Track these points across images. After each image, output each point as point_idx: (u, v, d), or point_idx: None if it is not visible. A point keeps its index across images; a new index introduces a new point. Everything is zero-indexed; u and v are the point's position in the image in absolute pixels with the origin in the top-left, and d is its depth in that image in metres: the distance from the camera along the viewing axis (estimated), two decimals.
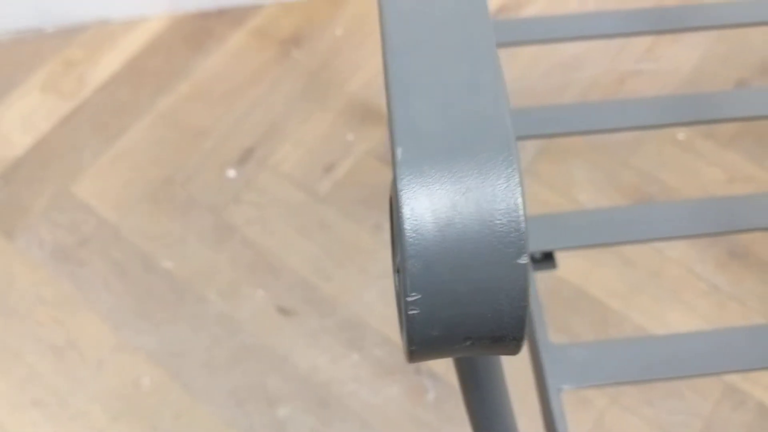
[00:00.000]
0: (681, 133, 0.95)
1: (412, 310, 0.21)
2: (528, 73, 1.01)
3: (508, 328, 0.21)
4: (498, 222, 0.20)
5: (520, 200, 0.20)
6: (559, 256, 0.86)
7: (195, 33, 1.06)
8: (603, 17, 0.74)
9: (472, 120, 0.21)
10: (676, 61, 1.00)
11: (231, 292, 0.87)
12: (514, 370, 0.48)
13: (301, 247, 0.89)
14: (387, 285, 0.86)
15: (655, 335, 0.79)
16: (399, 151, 0.21)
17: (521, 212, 0.20)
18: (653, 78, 0.99)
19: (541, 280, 0.86)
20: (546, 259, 0.47)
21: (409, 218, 0.21)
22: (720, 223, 0.54)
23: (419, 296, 0.21)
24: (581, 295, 0.85)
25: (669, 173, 0.92)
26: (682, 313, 0.83)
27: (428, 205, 0.20)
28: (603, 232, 0.50)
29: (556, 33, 0.72)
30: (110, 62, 1.04)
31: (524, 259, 0.20)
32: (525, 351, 0.45)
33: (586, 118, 0.65)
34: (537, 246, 0.47)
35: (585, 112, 0.69)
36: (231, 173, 0.94)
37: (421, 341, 0.22)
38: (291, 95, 1.00)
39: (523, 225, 0.20)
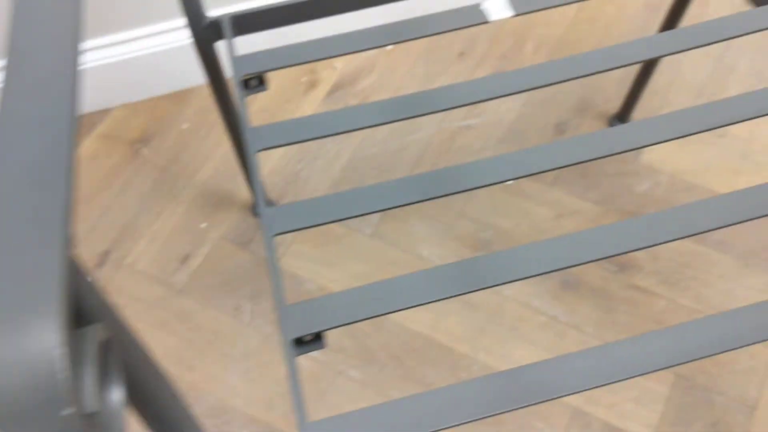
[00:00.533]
0: (509, 180, 1.02)
1: None
2: (368, 141, 1.07)
3: None
4: (38, 384, 0.22)
5: (58, 365, 0.22)
6: (403, 311, 0.92)
7: None
8: (484, 82, 0.76)
9: (18, 287, 0.25)
10: (499, 113, 1.09)
11: None
12: None
13: (162, 342, 0.91)
14: (250, 365, 0.89)
15: (498, 371, 0.84)
16: None
17: (60, 376, 0.22)
18: (480, 131, 1.07)
19: (393, 336, 0.90)
20: (316, 339, 0.51)
21: None
22: (548, 264, 0.57)
23: None
24: (431, 344, 0.90)
25: (501, 218, 0.99)
26: (525, 347, 0.89)
27: None
28: (367, 307, 0.54)
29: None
30: None
31: (68, 411, 0.23)
32: None
33: (421, 188, 0.68)
34: (301, 331, 0.50)
35: (418, 182, 0.72)
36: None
37: None
38: (143, 193, 1.03)
39: (62, 386, 0.23)
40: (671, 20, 0.88)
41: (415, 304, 0.53)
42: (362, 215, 0.56)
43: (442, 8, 0.64)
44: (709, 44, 0.61)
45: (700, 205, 0.55)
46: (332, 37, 0.64)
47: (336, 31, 0.66)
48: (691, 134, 0.59)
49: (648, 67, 0.98)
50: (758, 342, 0.48)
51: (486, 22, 0.62)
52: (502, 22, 1.19)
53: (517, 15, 0.62)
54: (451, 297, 0.53)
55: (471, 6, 0.63)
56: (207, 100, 1.12)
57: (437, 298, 0.52)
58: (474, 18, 0.62)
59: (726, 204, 0.56)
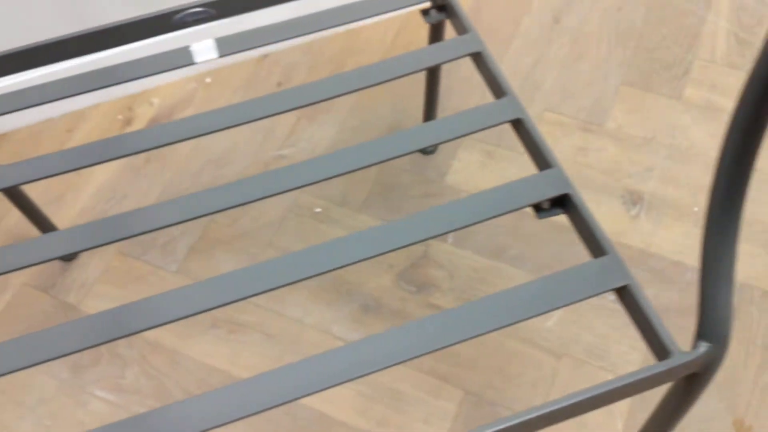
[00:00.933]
0: (318, 207, 1.03)
1: None
2: (181, 175, 1.07)
3: None
4: None
5: None
6: (203, 346, 0.91)
7: None
8: (247, 106, 0.73)
9: None
10: (314, 141, 1.10)
11: None
12: None
13: None
14: (43, 412, 0.88)
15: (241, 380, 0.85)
16: None
17: None
18: (292, 161, 1.08)
19: (190, 373, 0.90)
20: None
21: None
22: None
23: None
24: (228, 379, 0.90)
25: (307, 245, 1.00)
26: None
27: None
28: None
29: (204, 128, 0.72)
30: None
31: None
32: None
33: (189, 208, 0.67)
34: None
35: (187, 203, 0.71)
36: None
37: None
38: None
39: None
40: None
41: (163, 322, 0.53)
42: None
43: (154, 51, 0.65)
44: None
45: (453, 206, 0.56)
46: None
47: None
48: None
49: (431, 83, 1.00)
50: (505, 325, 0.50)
51: (193, 64, 0.63)
52: (321, 50, 1.21)
53: (221, 56, 0.63)
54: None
55: (180, 48, 0.64)
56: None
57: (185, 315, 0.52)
58: (182, 60, 0.63)
59: (472, 203, 0.57)
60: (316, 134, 1.11)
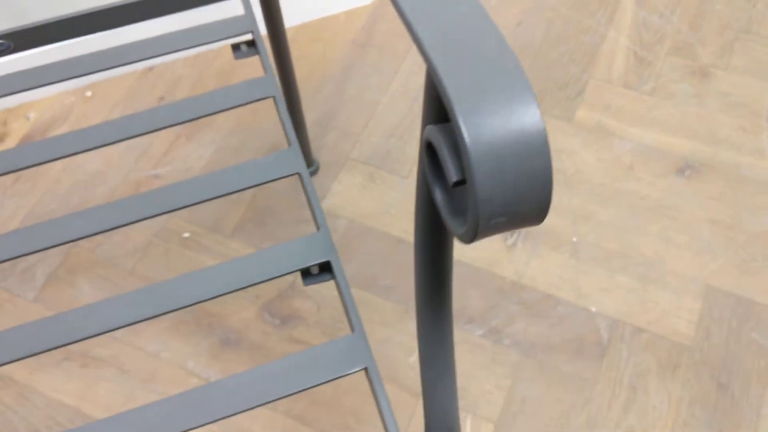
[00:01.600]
0: (186, 233, 1.00)
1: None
2: (48, 197, 1.03)
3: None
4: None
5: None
6: (53, 379, 0.88)
7: None
8: (122, 123, 0.71)
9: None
10: (190, 161, 1.06)
11: None
12: None
13: None
14: None
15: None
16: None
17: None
18: (166, 181, 1.04)
19: (38, 409, 0.87)
20: None
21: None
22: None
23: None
24: (77, 416, 0.87)
25: (173, 273, 0.96)
26: None
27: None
28: None
29: (77, 147, 0.70)
30: None
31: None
32: None
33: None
34: None
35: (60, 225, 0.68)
36: None
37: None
38: None
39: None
40: None
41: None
42: None
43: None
44: None
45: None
46: None
47: None
48: None
49: (293, 109, 0.95)
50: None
51: (73, 77, 0.59)
52: (208, 63, 1.16)
53: (100, 70, 0.59)
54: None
55: (61, 61, 0.60)
56: None
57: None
58: (62, 74, 0.59)
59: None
60: (193, 153, 1.07)
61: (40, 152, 0.74)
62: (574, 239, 0.97)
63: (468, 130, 0.27)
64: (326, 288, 0.95)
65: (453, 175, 0.29)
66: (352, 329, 0.46)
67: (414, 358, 0.90)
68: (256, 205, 1.02)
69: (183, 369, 0.89)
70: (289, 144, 0.55)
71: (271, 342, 0.91)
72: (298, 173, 0.54)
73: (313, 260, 0.50)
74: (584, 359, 0.88)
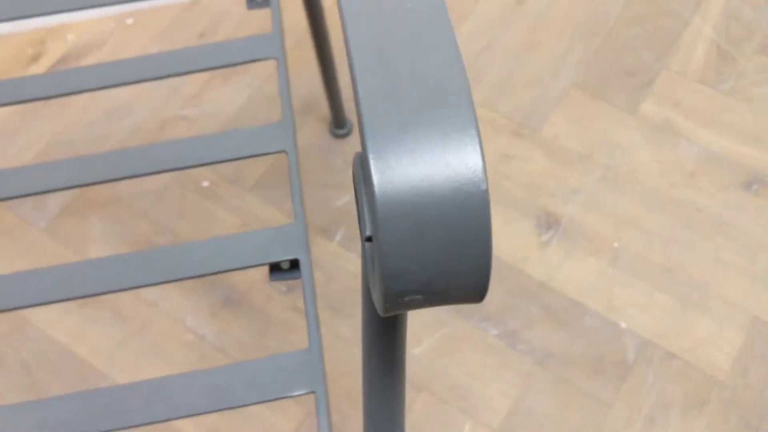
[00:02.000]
0: (206, 181, 0.95)
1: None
2: (72, 125, 1.00)
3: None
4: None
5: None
6: (50, 314, 0.86)
7: None
8: (158, 59, 0.68)
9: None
10: (221, 104, 1.01)
11: None
12: None
13: None
14: None
15: (97, 389, 0.79)
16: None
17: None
18: (193, 123, 0.99)
19: (30, 342, 0.85)
20: None
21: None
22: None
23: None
24: (66, 355, 0.84)
25: (185, 223, 0.92)
26: (160, 367, 0.83)
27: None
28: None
29: (109, 80, 0.68)
30: None
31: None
32: None
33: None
34: None
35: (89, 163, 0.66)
36: None
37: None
38: None
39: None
40: None
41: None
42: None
43: None
44: None
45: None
46: None
47: None
48: None
49: (325, 66, 0.88)
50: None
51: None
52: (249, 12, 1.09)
53: None
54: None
55: None
56: None
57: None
58: None
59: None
60: (225, 97, 1.01)
61: (71, 82, 0.71)
62: (616, 245, 0.88)
63: (378, 175, 0.20)
64: (341, 260, 0.89)
65: (366, 228, 0.23)
66: (309, 342, 0.41)
67: (419, 350, 0.84)
68: (282, 159, 0.96)
69: (180, 323, 0.86)
70: (284, 118, 0.49)
71: (274, 308, 0.86)
72: (284, 151, 0.48)
73: (282, 255, 0.44)
74: (604, 378, 0.81)
